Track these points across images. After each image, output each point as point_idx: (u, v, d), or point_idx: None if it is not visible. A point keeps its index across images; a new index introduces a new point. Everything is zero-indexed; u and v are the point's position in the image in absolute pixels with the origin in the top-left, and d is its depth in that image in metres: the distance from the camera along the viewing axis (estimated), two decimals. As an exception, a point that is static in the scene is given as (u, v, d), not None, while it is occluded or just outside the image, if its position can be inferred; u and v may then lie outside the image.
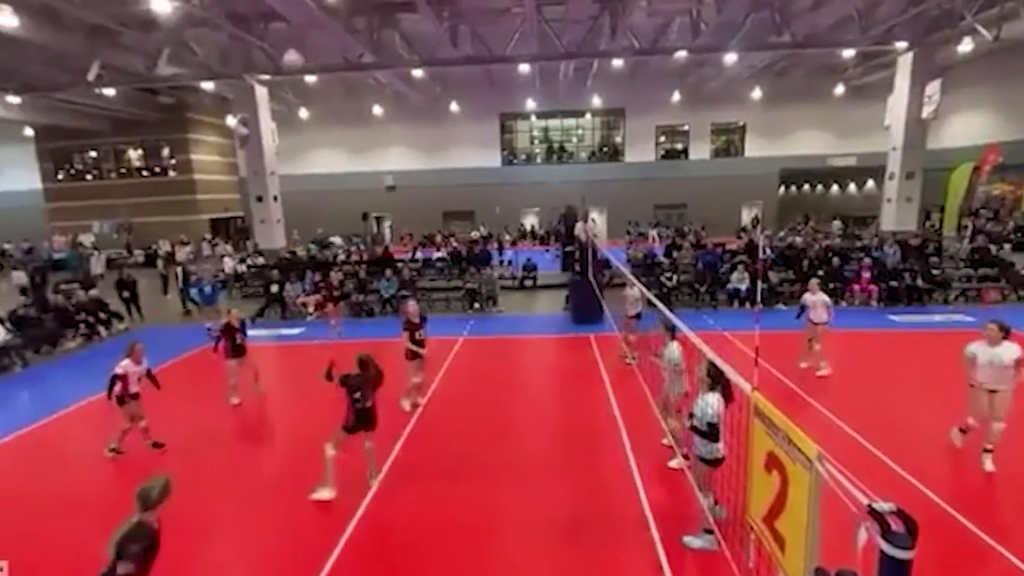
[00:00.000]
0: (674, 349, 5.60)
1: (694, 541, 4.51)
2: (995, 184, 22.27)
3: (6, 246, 27.88)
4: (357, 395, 5.38)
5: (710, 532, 4.36)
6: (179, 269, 15.97)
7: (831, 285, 13.60)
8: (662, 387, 5.92)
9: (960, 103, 22.51)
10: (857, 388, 7.98)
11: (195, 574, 4.49)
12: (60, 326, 11.97)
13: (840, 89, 27.35)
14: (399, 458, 6.29)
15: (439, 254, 18.44)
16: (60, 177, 28.75)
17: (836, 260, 14.32)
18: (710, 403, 4.20)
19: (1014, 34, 15.42)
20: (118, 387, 6.35)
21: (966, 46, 17.12)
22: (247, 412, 8.00)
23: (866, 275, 13.39)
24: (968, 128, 23.10)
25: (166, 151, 27.83)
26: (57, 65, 17.12)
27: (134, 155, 28.34)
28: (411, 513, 5.20)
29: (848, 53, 20.19)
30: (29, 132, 27.42)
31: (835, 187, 33.63)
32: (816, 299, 8.42)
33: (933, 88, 17.13)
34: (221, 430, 7.39)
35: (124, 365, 6.38)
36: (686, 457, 5.09)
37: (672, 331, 5.63)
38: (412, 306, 7.52)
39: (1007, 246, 17.56)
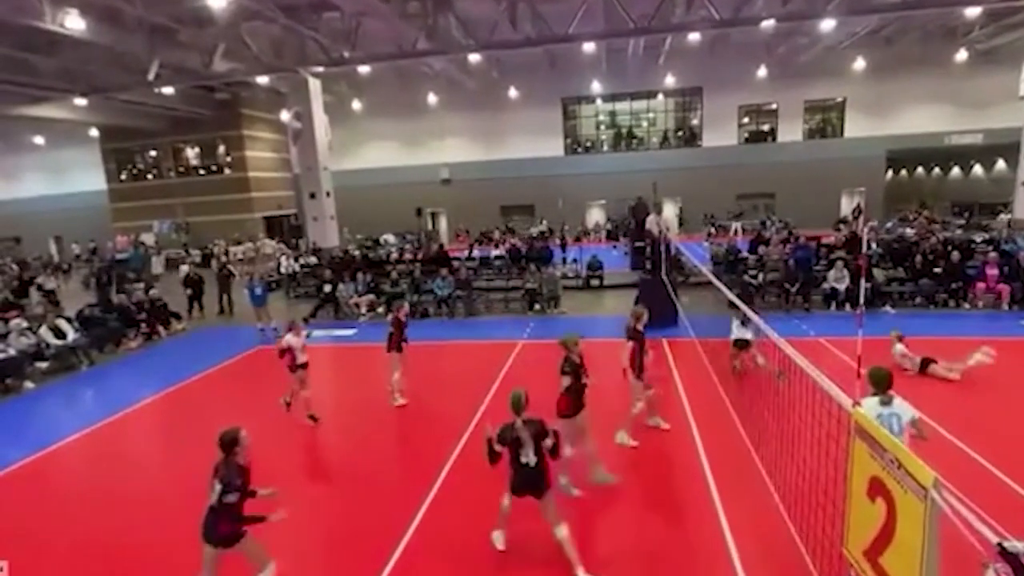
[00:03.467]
0: None
1: None
2: None
3: (73, 246, 30.72)
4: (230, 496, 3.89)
5: None
6: (225, 269, 16.47)
7: (951, 285, 12.70)
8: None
9: (1118, 66, 20.30)
10: (984, 406, 7.36)
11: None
12: (123, 325, 13.05)
13: (962, 55, 25.27)
14: (440, 491, 6.12)
15: (497, 252, 18.63)
16: (123, 177, 31.33)
17: (956, 255, 13.27)
18: None
19: None
20: (287, 358, 7.62)
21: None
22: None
23: (992, 272, 12.34)
24: None
25: (221, 148, 29.70)
26: (119, 65, 18.70)
27: (191, 153, 30.43)
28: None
29: (972, 12, 18.67)
30: (94, 133, 30.06)
31: (956, 170, 31.23)
32: None
33: (1082, 49, 15.62)
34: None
35: (288, 339, 7.62)
36: None
37: None
38: (639, 309, 7.00)
39: None
